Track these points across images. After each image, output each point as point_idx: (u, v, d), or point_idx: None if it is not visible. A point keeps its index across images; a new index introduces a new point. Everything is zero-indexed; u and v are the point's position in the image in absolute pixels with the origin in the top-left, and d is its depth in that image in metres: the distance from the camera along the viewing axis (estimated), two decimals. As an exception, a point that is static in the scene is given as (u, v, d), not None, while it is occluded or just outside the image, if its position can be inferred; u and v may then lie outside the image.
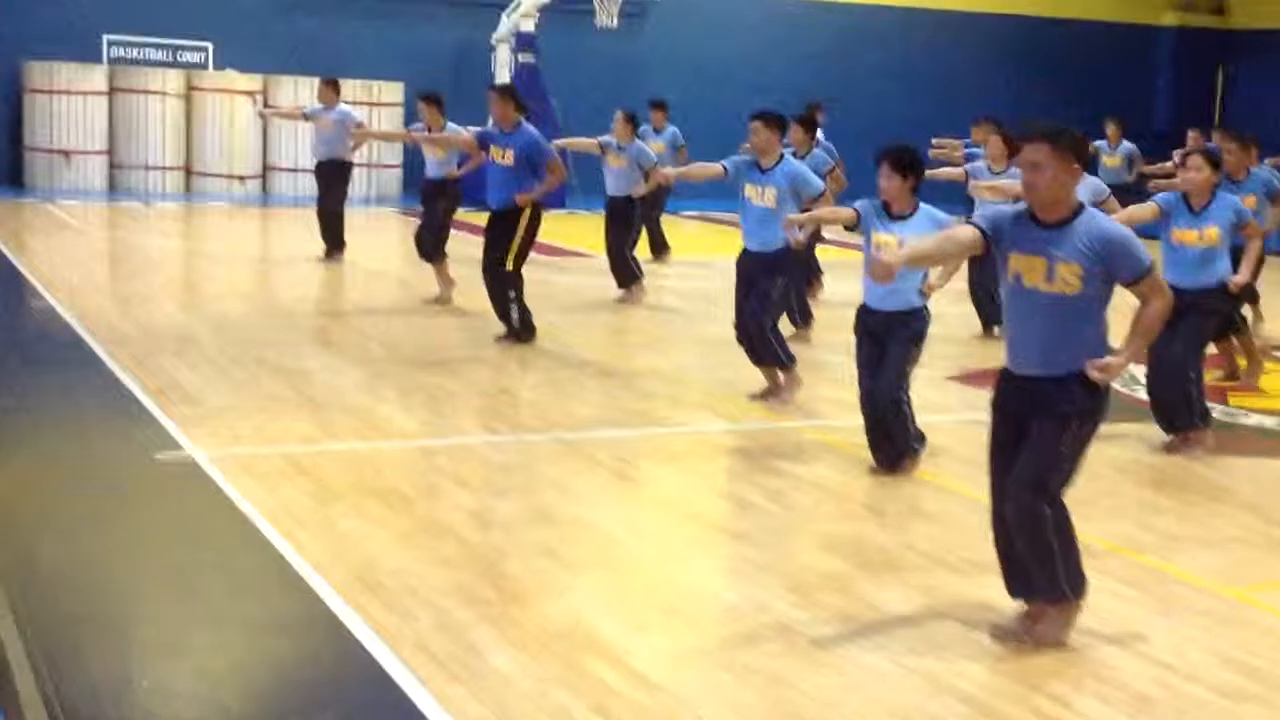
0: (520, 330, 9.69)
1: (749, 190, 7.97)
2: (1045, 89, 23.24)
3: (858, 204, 6.73)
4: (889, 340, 6.66)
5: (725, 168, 8.16)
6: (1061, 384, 4.58)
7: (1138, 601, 5.25)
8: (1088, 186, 7.91)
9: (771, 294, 7.95)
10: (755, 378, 8.35)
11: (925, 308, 6.71)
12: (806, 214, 7.66)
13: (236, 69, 19.88)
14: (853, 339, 6.83)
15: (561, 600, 5.01)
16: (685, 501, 6.39)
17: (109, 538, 5.56)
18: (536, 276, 11.96)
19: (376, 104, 20.75)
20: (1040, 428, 4.61)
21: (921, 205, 6.63)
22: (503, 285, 9.63)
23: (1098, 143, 17.14)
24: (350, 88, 20.30)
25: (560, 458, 6.96)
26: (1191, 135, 14.72)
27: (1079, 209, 4.59)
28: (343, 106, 13.69)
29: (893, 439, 6.73)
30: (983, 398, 8.23)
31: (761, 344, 8.02)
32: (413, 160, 18.07)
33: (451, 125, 11.26)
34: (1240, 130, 10.22)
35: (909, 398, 6.73)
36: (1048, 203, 4.55)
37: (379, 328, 10.37)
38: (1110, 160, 16.37)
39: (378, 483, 6.35)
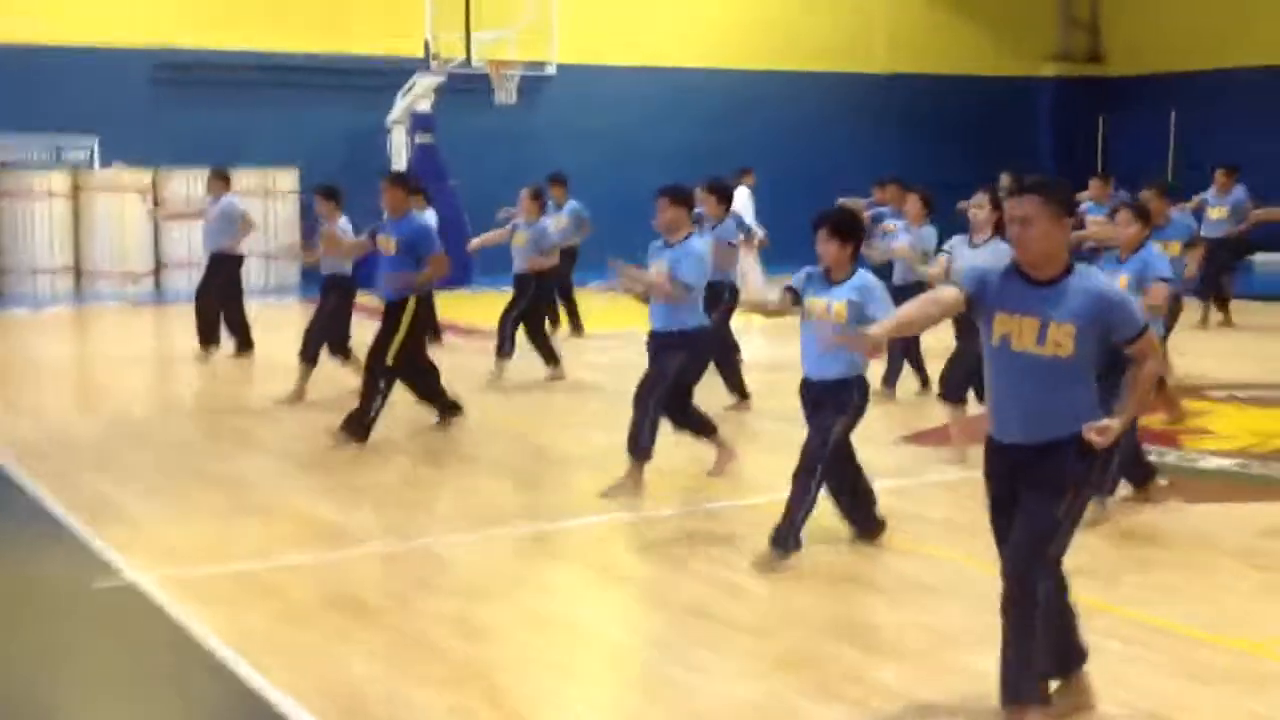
0: (358, 424, 9.02)
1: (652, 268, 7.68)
2: (933, 146, 23.60)
3: (791, 281, 6.35)
4: (822, 410, 6.34)
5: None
6: (1054, 452, 4.32)
7: (1168, 669, 5.04)
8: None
9: (667, 373, 7.54)
10: (705, 452, 8.10)
11: (862, 377, 6.33)
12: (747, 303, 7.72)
13: (124, 163, 19.30)
14: (794, 405, 6.58)
15: (570, 717, 4.65)
16: (676, 593, 6.04)
17: (52, 682, 5.06)
18: (457, 361, 11.70)
19: (272, 192, 20.33)
20: (1033, 498, 4.35)
21: (859, 270, 6.35)
22: (374, 377, 9.08)
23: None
24: (244, 177, 19.94)
25: (533, 553, 6.62)
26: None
27: (1071, 265, 4.38)
28: (228, 198, 13.15)
29: (855, 508, 6.57)
30: (938, 457, 8.31)
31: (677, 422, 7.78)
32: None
33: (342, 223, 10.71)
34: (1127, 176, 10.42)
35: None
36: (1040, 260, 4.33)
37: (299, 423, 9.89)
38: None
39: (345, 595, 5.93)
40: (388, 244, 9.10)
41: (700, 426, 7.92)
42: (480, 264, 19.13)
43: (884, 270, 12.28)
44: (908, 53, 24.73)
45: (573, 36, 20.92)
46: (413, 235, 9.11)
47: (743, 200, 16.76)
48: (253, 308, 17.48)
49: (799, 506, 6.19)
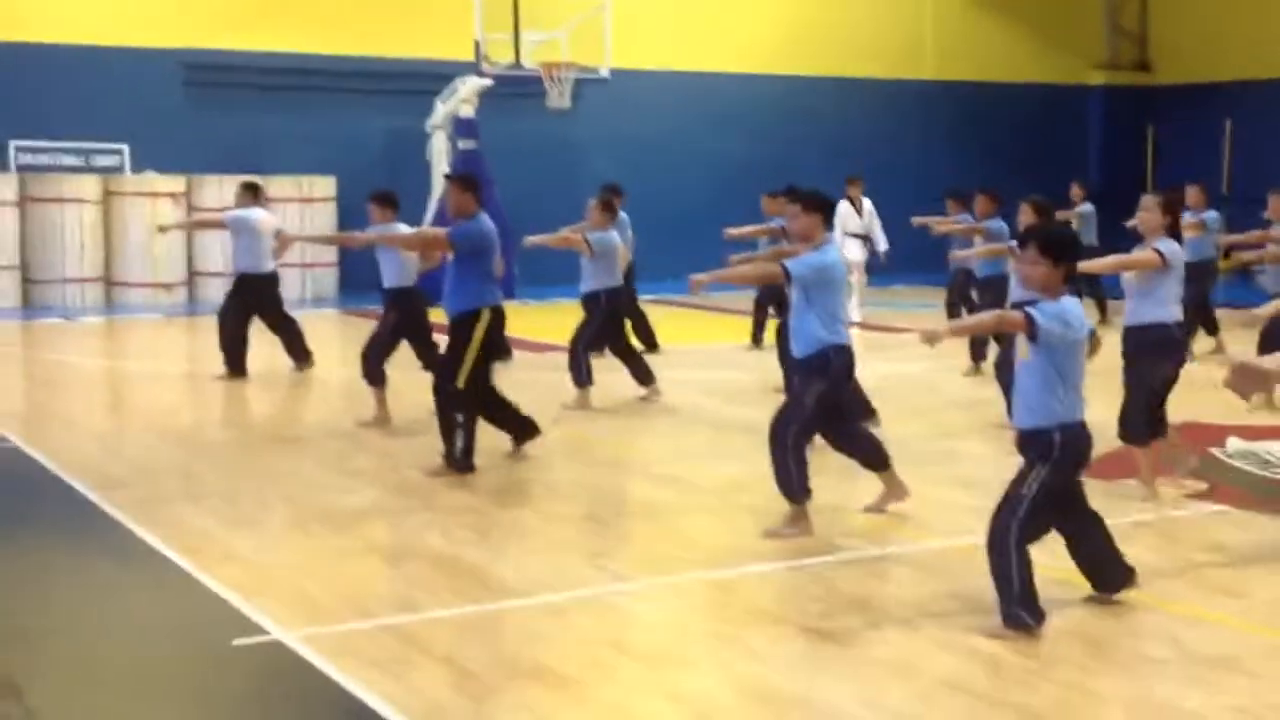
0: (460, 460, 8.24)
1: None
2: (981, 154, 22.96)
3: None
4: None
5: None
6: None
7: None
8: None
9: (805, 400, 6.86)
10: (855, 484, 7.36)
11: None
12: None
13: (156, 171, 18.51)
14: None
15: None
16: (912, 658, 5.28)
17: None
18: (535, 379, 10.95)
19: (307, 200, 19.56)
20: None
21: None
22: (448, 409, 8.27)
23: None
24: (279, 184, 19.21)
25: (719, 605, 5.85)
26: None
27: None
28: (252, 211, 12.22)
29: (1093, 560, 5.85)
30: (1123, 493, 7.51)
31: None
32: (357, 258, 16.79)
33: (401, 226, 9.94)
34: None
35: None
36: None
37: (396, 447, 9.12)
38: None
39: (528, 660, 5.17)
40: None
41: (869, 454, 7.18)
42: (523, 276, 18.45)
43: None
44: (957, 60, 24.07)
45: (620, 40, 20.17)
46: (459, 237, 8.24)
47: (843, 213, 15.97)
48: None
49: (1004, 581, 5.33)
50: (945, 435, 9.66)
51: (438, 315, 9.08)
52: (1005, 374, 9.74)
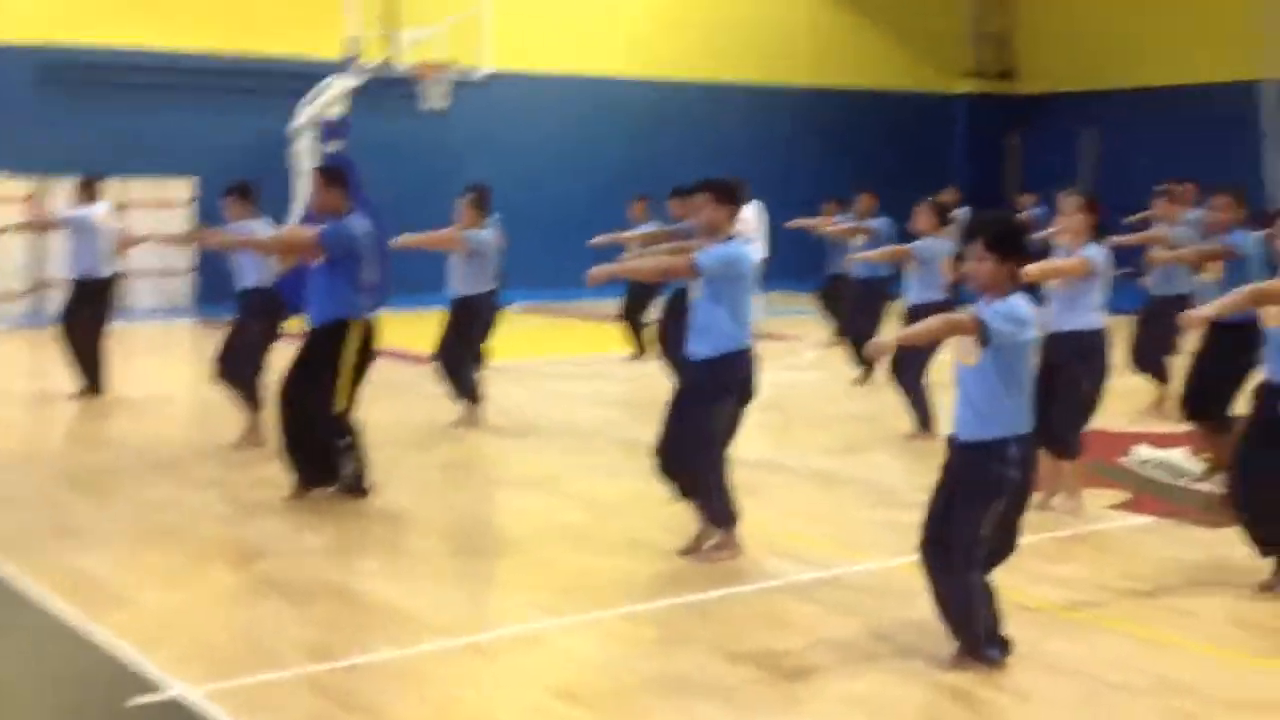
0: (354, 485, 7.66)
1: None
2: (851, 161, 23.00)
3: None
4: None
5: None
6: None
7: None
8: None
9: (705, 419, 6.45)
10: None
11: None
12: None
13: (7, 172, 17.47)
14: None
15: None
16: (888, 701, 4.98)
17: None
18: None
19: (166, 203, 18.69)
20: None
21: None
22: (326, 435, 7.60)
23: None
24: (137, 187, 18.35)
25: (662, 640, 5.48)
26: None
27: None
28: (90, 209, 11.34)
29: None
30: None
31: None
32: (215, 264, 16.01)
33: (258, 225, 9.19)
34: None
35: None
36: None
37: (274, 471, 8.43)
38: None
39: (459, 709, 4.74)
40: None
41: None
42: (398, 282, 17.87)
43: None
44: (829, 66, 24.10)
45: (498, 41, 19.68)
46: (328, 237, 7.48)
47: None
48: (141, 331, 16.15)
49: (967, 624, 5.00)
50: (852, 449, 9.44)
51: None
52: (907, 377, 9.55)
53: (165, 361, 14.12)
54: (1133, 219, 16.10)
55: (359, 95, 18.63)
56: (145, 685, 4.91)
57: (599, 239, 13.11)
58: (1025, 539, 5.23)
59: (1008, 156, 25.50)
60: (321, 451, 7.63)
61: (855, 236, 12.62)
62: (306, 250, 7.88)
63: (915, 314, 8.96)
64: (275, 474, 8.21)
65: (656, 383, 11.22)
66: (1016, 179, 24.85)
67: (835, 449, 9.37)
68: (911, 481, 7.91)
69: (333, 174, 7.78)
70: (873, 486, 8.29)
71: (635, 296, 13.82)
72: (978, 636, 4.99)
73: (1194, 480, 7.97)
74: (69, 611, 5.75)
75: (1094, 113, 23.50)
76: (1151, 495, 7.82)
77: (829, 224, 13.80)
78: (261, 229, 9.20)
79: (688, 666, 5.13)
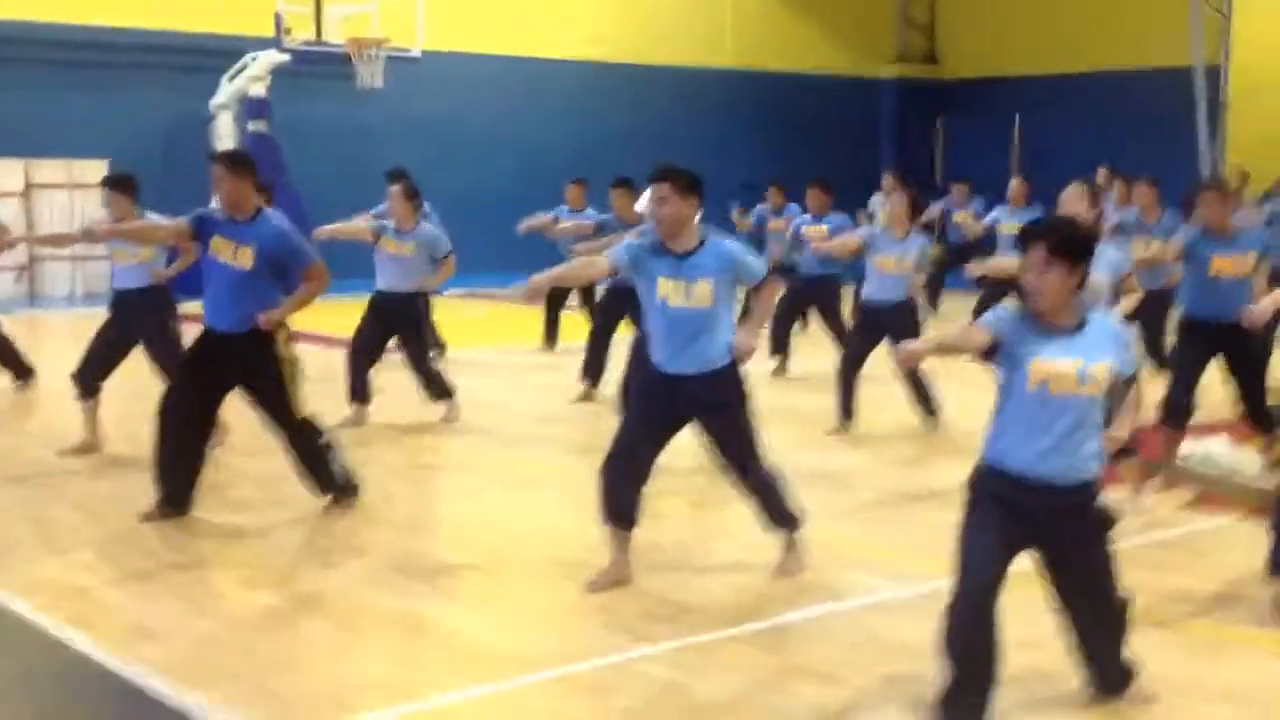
0: (344, 485, 7.06)
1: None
2: (779, 144, 22.77)
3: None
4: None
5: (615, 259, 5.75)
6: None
7: None
8: (1107, 264, 6.58)
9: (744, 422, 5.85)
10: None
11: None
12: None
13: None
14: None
15: None
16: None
17: None
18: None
19: (78, 186, 17.62)
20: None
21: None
22: (304, 438, 6.91)
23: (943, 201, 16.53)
24: (48, 169, 17.31)
25: (760, 664, 4.94)
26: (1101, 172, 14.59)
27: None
28: None
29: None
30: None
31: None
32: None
33: (152, 216, 8.08)
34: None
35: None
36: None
37: (266, 469, 7.74)
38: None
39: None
40: (235, 253, 6.63)
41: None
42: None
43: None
44: (756, 49, 23.71)
45: (429, 19, 18.91)
46: (275, 241, 6.65)
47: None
48: (59, 320, 15.12)
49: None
50: (808, 444, 8.98)
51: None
52: (849, 372, 9.15)
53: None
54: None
55: (285, 73, 17.76)
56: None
57: (526, 224, 12.60)
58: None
59: (935, 141, 25.37)
60: (306, 463, 6.96)
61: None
62: (180, 240, 7.09)
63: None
64: (267, 470, 7.53)
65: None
66: (943, 164, 24.77)
67: (798, 444, 8.85)
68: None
69: (239, 161, 6.82)
70: (891, 482, 7.85)
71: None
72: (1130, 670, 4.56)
73: (1254, 478, 7.65)
74: (88, 645, 5.04)
75: (1022, 98, 23.45)
76: (1215, 492, 7.47)
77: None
78: (153, 220, 8.00)
79: (825, 696, 4.61)
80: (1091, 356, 4.17)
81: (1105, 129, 21.83)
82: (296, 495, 7.07)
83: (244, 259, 6.62)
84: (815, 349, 12.12)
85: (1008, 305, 4.37)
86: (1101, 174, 16.76)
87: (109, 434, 8.51)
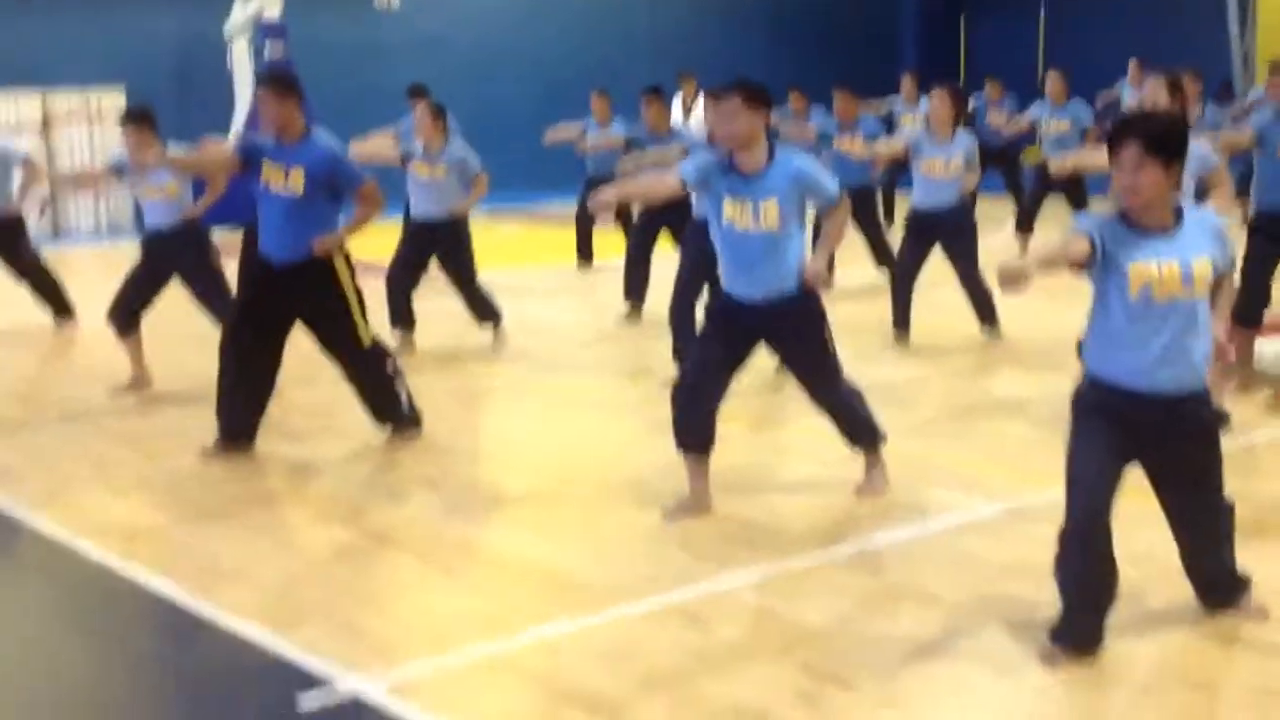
0: (409, 419, 6.91)
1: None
2: (797, 47, 22.34)
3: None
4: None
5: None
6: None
7: None
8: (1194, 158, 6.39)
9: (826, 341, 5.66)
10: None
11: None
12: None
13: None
14: None
15: None
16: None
17: None
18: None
19: (96, 117, 17.35)
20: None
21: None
22: (372, 368, 6.76)
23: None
24: (62, 99, 17.02)
25: (855, 588, 4.85)
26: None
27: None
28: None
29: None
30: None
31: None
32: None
33: (172, 148, 7.48)
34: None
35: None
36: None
37: (319, 398, 7.65)
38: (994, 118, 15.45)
39: (692, 690, 4.07)
40: (286, 178, 6.40)
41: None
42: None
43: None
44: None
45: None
46: (326, 163, 6.41)
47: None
48: (85, 255, 14.96)
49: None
50: (865, 358, 8.85)
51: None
52: (904, 283, 9.02)
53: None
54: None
55: (300, -7, 17.40)
56: (306, 679, 4.18)
57: (552, 135, 12.47)
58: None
59: (959, 39, 24.87)
60: (373, 394, 6.82)
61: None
62: (227, 168, 6.82)
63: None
64: (320, 400, 7.43)
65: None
66: (967, 63, 24.30)
67: (880, 359, 8.70)
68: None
69: (284, 84, 6.55)
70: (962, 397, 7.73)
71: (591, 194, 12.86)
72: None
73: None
74: (168, 587, 4.96)
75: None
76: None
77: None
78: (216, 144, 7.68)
79: (949, 624, 4.51)
80: (1192, 254, 4.00)
81: (1133, 20, 21.36)
82: (356, 425, 6.97)
83: (295, 183, 6.41)
84: (854, 259, 11.91)
85: (1098, 210, 4.20)
86: (1133, 67, 16.50)
87: (160, 373, 8.37)
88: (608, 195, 5.54)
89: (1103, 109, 15.91)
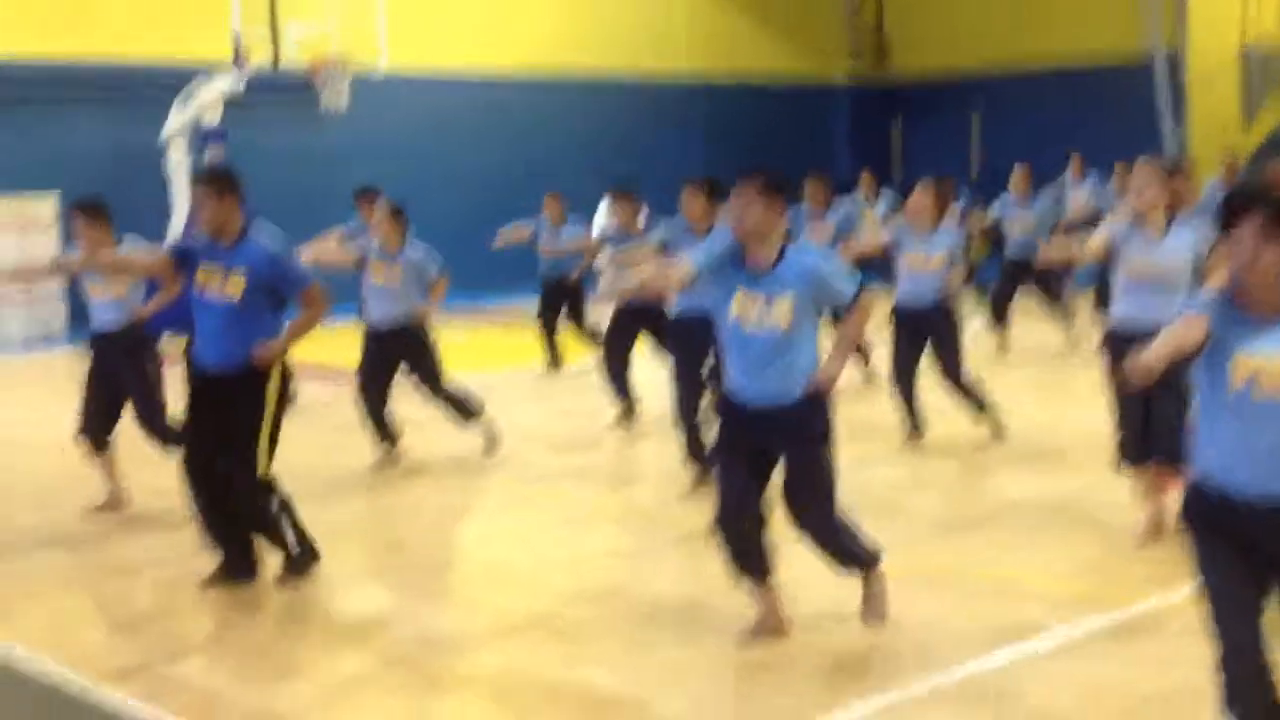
0: (301, 557, 6.23)
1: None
2: (737, 152, 22.36)
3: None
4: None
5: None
6: None
7: None
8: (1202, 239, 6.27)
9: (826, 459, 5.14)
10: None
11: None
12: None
13: None
14: None
15: None
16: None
17: None
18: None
19: (29, 225, 16.72)
20: None
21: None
22: (247, 500, 6.08)
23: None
24: (-4, 207, 16.42)
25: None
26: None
27: None
28: None
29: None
30: None
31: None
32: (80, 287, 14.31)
33: (131, 244, 7.42)
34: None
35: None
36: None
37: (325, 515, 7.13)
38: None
39: None
40: (224, 282, 5.94)
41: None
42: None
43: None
44: (709, 56, 23.35)
45: (389, 38, 18.24)
46: (267, 265, 5.95)
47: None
48: (17, 364, 14.23)
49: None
50: (884, 460, 8.57)
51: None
52: (905, 384, 8.72)
53: (45, 395, 12.10)
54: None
55: (240, 99, 17.02)
56: None
57: (504, 237, 12.51)
58: None
59: (892, 144, 25.14)
60: (245, 529, 6.16)
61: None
62: (161, 271, 6.41)
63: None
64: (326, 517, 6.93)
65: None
66: (902, 165, 24.55)
67: (895, 461, 8.42)
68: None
69: (224, 181, 6.08)
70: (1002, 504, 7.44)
71: (551, 298, 12.52)
72: None
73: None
74: None
75: (977, 96, 23.30)
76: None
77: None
78: (137, 250, 7.38)
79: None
80: None
81: (1066, 117, 21.72)
82: (375, 536, 6.49)
83: (234, 287, 5.92)
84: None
85: (1208, 290, 3.90)
86: (1074, 162, 16.64)
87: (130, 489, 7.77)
88: (627, 289, 5.27)
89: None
